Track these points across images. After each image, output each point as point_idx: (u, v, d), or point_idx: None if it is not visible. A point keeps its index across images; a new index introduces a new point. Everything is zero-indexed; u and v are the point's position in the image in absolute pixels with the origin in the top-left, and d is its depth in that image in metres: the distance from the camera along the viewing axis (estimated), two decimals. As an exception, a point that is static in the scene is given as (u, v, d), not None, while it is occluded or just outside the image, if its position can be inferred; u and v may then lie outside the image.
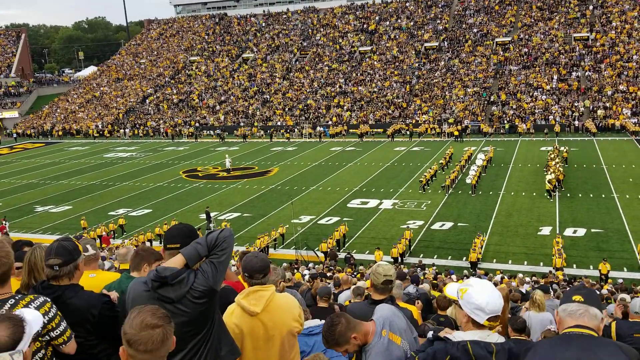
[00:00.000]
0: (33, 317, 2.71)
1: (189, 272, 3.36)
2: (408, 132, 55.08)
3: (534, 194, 32.59)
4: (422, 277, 16.26)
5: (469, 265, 23.41)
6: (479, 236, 25.07)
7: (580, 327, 2.60)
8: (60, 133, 74.29)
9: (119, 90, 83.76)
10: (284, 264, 21.25)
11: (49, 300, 3.14)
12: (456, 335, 3.00)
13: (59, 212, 36.30)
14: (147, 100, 78.92)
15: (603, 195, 31.60)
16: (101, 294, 3.72)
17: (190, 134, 66.06)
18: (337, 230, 27.35)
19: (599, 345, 2.50)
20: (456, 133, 52.19)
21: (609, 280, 20.26)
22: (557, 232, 25.94)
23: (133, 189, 41.39)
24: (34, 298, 3.12)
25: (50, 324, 3.07)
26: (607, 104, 53.65)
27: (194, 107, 74.01)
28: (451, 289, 3.21)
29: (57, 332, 3.10)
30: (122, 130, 71.35)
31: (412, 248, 26.03)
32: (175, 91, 79.14)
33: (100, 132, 72.22)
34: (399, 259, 24.36)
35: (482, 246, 24.83)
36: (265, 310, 3.79)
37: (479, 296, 2.97)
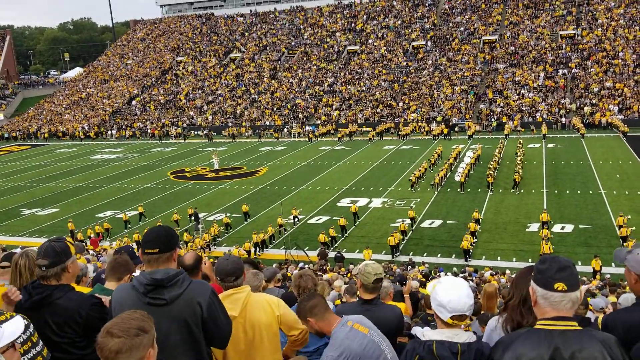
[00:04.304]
0: (10, 330, 2.54)
1: (184, 275, 3.29)
2: (396, 132, 55.18)
3: (522, 190, 32.76)
4: (410, 275, 16.25)
5: (462, 253, 23.93)
6: (473, 221, 25.78)
7: (561, 319, 2.54)
8: (46, 135, 73.60)
9: (105, 91, 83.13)
10: (274, 264, 21.16)
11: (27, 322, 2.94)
12: (426, 334, 2.97)
13: (46, 214, 35.93)
14: (133, 101, 78.37)
15: (590, 192, 31.81)
16: (91, 295, 3.68)
17: (177, 134, 65.69)
18: (323, 233, 27.36)
19: (580, 341, 2.46)
20: (445, 131, 52.36)
21: (597, 277, 20.39)
22: (547, 214, 26.57)
23: (120, 190, 41.06)
24: (9, 317, 2.77)
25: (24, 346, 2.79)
26: (594, 101, 54.05)
27: (182, 107, 73.62)
28: (430, 286, 3.19)
29: (31, 354, 2.77)
30: (108, 132, 70.81)
31: (403, 242, 26.13)
32: (162, 92, 78.68)
33: (87, 134, 71.63)
34: (396, 248, 25.09)
35: (475, 231, 25.73)
36: (243, 313, 3.74)
37: (443, 293, 2.96)
